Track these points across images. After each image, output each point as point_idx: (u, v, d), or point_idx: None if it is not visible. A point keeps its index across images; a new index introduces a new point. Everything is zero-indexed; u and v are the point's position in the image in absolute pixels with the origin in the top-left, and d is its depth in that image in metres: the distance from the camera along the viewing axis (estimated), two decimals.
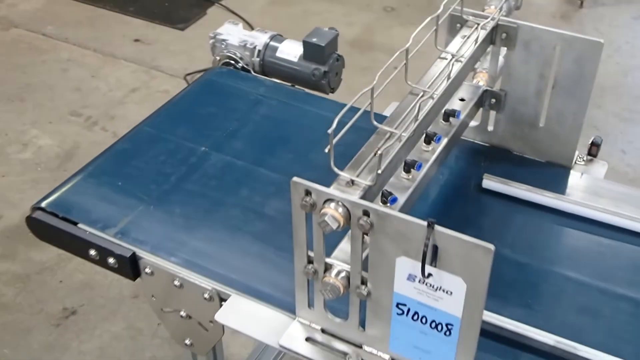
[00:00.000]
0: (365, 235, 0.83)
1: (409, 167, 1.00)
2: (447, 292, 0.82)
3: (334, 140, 0.84)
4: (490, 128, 1.26)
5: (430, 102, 0.98)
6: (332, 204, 0.81)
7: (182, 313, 1.11)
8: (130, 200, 1.17)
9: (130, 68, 3.14)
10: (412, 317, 0.87)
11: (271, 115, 1.36)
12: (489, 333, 0.96)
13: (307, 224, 0.86)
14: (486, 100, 1.22)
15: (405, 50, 0.95)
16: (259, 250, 1.09)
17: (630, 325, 0.98)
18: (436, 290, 0.82)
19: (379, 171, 0.87)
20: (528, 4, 3.43)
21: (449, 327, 0.85)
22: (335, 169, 0.86)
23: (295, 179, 0.83)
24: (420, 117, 0.95)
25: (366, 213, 0.80)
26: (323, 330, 0.96)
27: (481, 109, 1.24)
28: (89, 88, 3.02)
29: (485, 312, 0.96)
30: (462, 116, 1.13)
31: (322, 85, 1.41)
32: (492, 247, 0.75)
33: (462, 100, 1.18)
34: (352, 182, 0.87)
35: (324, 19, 3.42)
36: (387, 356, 0.92)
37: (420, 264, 0.79)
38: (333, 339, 0.95)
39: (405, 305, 0.86)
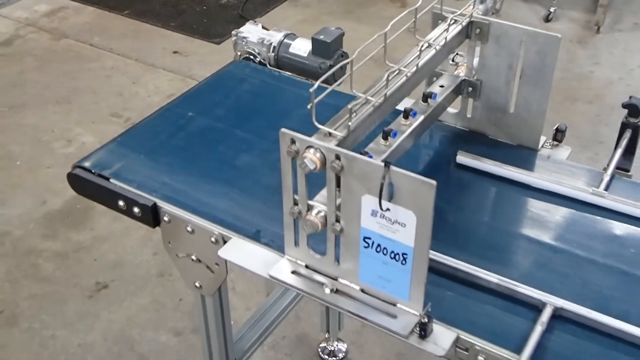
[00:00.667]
0: (338, 179, 1.02)
1: (386, 134, 1.19)
2: (401, 225, 1.00)
3: (315, 100, 1.04)
4: (468, 115, 1.44)
5: (402, 76, 1.17)
6: (312, 150, 1.00)
7: (193, 257, 1.31)
8: (152, 161, 1.38)
9: (168, 77, 3.40)
10: (376, 249, 1.05)
11: (254, 91, 1.56)
12: (445, 273, 1.13)
13: (293, 173, 1.06)
14: (464, 88, 1.40)
15: (384, 34, 1.14)
16: (260, 201, 1.28)
17: (570, 272, 1.14)
18: (393, 223, 1.00)
19: (350, 123, 1.06)
20: (547, 28, 3.61)
21: (404, 256, 1.02)
22: (316, 123, 1.06)
23: (283, 129, 1.02)
24: (391, 86, 1.14)
25: (338, 157, 0.99)
26: (307, 266, 1.15)
27: (461, 97, 1.42)
28: (130, 93, 3.28)
29: (444, 256, 1.15)
30: (438, 98, 1.31)
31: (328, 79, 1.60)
32: (434, 182, 0.93)
33: (441, 86, 1.37)
34: (330, 133, 1.06)
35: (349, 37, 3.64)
36: (357, 287, 1.10)
37: (379, 203, 0.98)
38: (314, 273, 1.14)
39: (370, 238, 1.05)
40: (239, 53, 1.73)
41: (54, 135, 2.98)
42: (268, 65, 1.69)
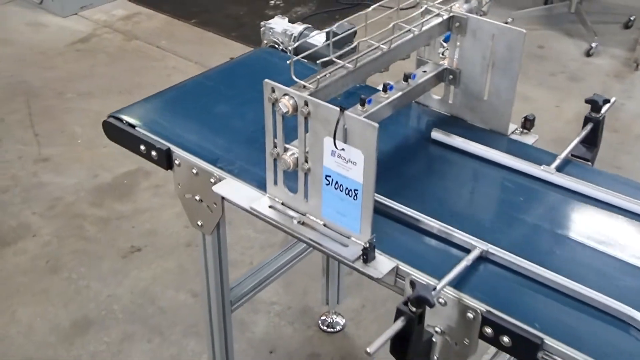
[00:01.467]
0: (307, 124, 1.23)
1: (363, 101, 1.40)
2: (353, 163, 1.20)
3: (294, 59, 1.26)
4: (450, 101, 1.63)
5: (377, 51, 1.39)
6: (287, 97, 1.23)
7: (197, 197, 1.54)
8: (170, 117, 1.63)
9: None
10: (335, 186, 1.25)
11: (271, 69, 1.79)
12: (398, 219, 1.32)
13: (273, 118, 1.28)
14: (446, 76, 1.60)
15: (365, 14, 1.36)
16: (254, 151, 1.50)
17: (504, 227, 1.32)
18: (347, 162, 1.21)
19: (319, 77, 1.28)
20: (586, 62, 3.75)
21: (356, 192, 1.23)
22: (293, 77, 1.28)
23: (266, 80, 1.25)
24: (364, 57, 1.36)
25: (306, 103, 1.21)
26: (282, 203, 1.36)
27: (444, 85, 1.62)
28: None
29: (399, 204, 1.34)
30: (418, 80, 1.52)
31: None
32: (376, 125, 1.13)
33: (424, 72, 1.57)
34: (304, 86, 1.28)
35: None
36: (321, 221, 1.31)
37: (333, 141, 1.19)
38: (287, 209, 1.35)
39: (330, 176, 1.25)
40: (265, 42, 1.98)
41: None
42: (288, 53, 1.93)
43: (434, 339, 1.19)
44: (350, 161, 1.21)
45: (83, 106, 3.42)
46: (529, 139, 1.58)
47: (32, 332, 2.23)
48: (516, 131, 1.59)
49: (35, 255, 2.52)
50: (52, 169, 2.97)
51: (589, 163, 1.55)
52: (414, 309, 1.09)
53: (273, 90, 1.25)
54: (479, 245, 1.25)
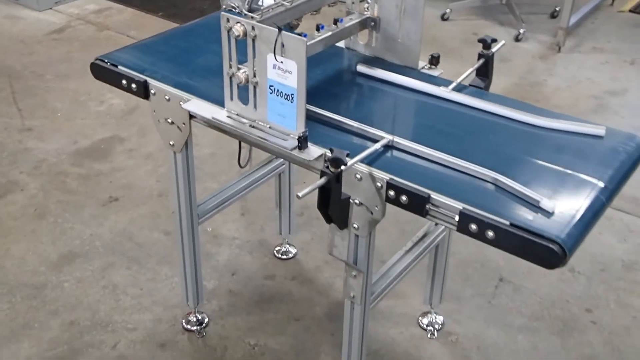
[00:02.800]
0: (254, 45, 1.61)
1: (299, 35, 1.79)
2: (289, 72, 1.58)
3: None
4: (373, 44, 2.03)
5: None
6: (239, 24, 1.61)
7: (169, 120, 1.91)
8: (146, 57, 2.00)
9: None
10: (276, 94, 1.64)
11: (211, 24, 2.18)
12: (327, 123, 1.71)
13: (228, 45, 1.65)
14: (369, 23, 2.00)
15: None
16: (214, 78, 1.87)
17: (409, 126, 1.71)
18: (285, 72, 1.59)
19: (263, 10, 1.67)
20: (515, 46, 4.21)
21: (292, 96, 1.61)
22: (245, 11, 1.66)
23: (222, 12, 1.63)
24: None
25: (253, 28, 1.59)
26: (237, 114, 1.74)
27: (367, 31, 2.02)
28: None
29: (325, 111, 1.72)
30: (344, 23, 1.91)
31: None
32: (304, 39, 1.52)
33: (351, 19, 1.97)
34: (252, 17, 1.67)
35: None
36: (267, 125, 1.69)
37: (273, 55, 1.57)
38: (242, 117, 1.73)
39: (273, 86, 1.64)
40: (224, 6, 2.36)
41: (89, 97, 3.65)
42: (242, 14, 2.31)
43: (351, 201, 1.57)
44: (287, 71, 1.59)
45: (62, 86, 3.76)
46: (435, 73, 1.98)
47: (25, 263, 2.56)
48: (425, 67, 2.00)
49: (24, 205, 2.85)
50: (36, 137, 3.31)
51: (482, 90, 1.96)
52: (332, 170, 1.47)
53: (228, 20, 1.63)
54: (387, 137, 1.64)
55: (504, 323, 2.37)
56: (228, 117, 1.75)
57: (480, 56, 1.97)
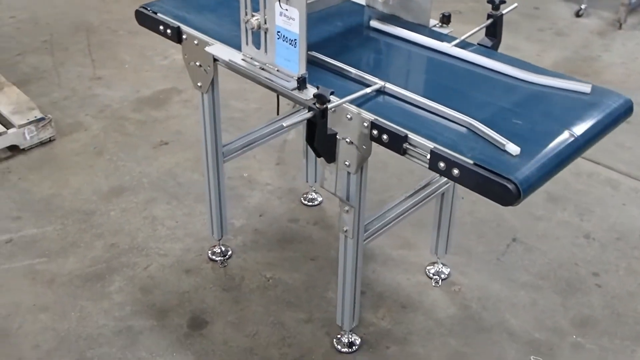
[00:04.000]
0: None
1: None
2: (293, 19, 1.75)
3: None
4: (390, 2, 2.17)
5: None
6: None
7: (197, 63, 2.12)
8: (181, 7, 2.21)
9: None
10: (283, 40, 1.81)
11: None
12: (330, 69, 1.87)
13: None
14: None
15: None
16: (235, 24, 2.06)
17: (403, 74, 1.85)
18: (289, 19, 1.76)
19: None
20: (575, 22, 4.20)
21: (295, 41, 1.78)
22: None
23: None
24: None
25: None
26: (252, 58, 1.93)
27: None
28: None
29: (328, 57, 1.88)
30: None
31: None
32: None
33: None
34: None
35: None
36: (276, 68, 1.86)
37: (281, 5, 1.75)
38: (254, 61, 1.91)
39: (280, 32, 1.81)
40: None
41: (155, 52, 3.93)
42: None
43: (342, 139, 1.73)
44: (291, 18, 1.77)
45: (132, 41, 4.06)
46: (445, 31, 2.10)
47: (80, 193, 2.86)
48: (437, 25, 2.12)
49: (85, 143, 3.16)
50: (104, 85, 3.62)
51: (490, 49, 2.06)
52: (318, 105, 1.64)
53: None
54: (380, 83, 1.79)
55: (509, 278, 2.47)
56: (243, 59, 1.94)
57: (489, 16, 2.07)
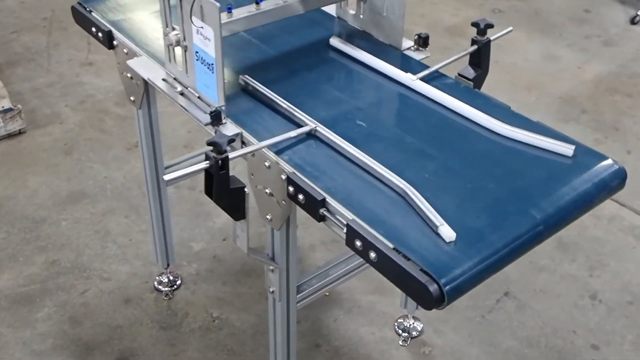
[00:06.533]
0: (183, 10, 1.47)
1: (256, 1, 1.62)
2: (209, 39, 1.43)
3: None
4: (361, 16, 1.81)
5: None
6: None
7: (128, 75, 1.82)
8: (126, 10, 1.91)
9: None
10: (201, 62, 1.49)
11: None
12: (264, 102, 1.54)
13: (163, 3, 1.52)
14: None
15: None
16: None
17: (342, 114, 1.51)
18: (205, 39, 1.44)
19: None
20: (629, 29, 3.71)
21: (212, 66, 1.46)
22: None
23: None
24: None
25: None
26: (174, 78, 1.61)
27: (356, 2, 1.80)
28: None
29: (263, 88, 1.55)
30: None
31: None
32: (217, 4, 1.36)
33: None
34: None
35: (436, 8, 3.97)
36: (196, 94, 1.55)
37: (193, 20, 1.42)
38: (176, 81, 1.60)
39: (198, 52, 1.49)
40: None
41: None
42: None
43: (246, 191, 1.41)
44: (207, 38, 1.44)
45: None
46: (420, 55, 1.73)
47: (35, 196, 2.62)
48: (411, 48, 1.75)
49: (57, 138, 2.92)
50: (93, 72, 3.37)
51: (471, 83, 1.68)
52: (215, 155, 1.31)
53: None
54: (310, 124, 1.45)
55: (491, 342, 2.11)
56: (164, 79, 1.63)
57: (473, 42, 1.69)
